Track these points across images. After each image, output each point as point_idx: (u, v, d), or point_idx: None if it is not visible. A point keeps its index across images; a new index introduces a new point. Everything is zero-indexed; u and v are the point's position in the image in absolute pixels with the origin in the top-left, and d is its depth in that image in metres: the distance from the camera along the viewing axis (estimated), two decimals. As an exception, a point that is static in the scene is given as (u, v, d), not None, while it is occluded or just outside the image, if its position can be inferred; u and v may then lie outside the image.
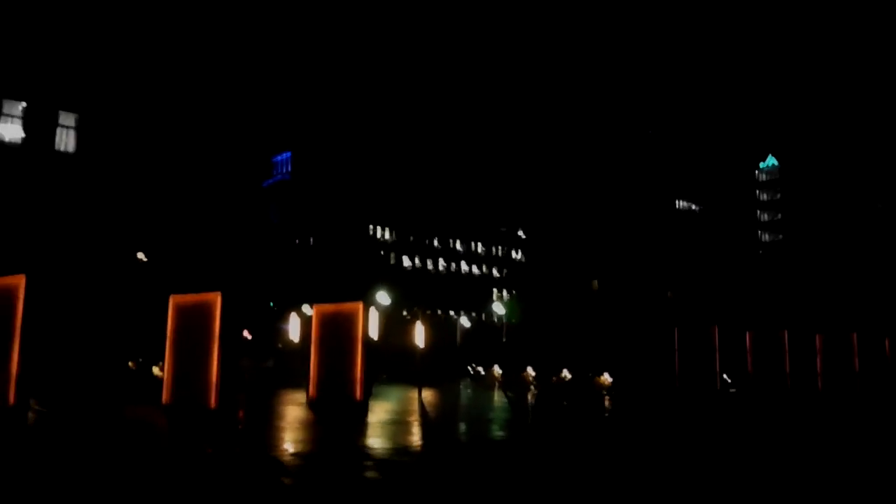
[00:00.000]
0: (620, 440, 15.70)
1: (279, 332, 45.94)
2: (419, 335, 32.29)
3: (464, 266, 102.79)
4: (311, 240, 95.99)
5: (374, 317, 23.91)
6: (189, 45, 56.25)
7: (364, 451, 12.71)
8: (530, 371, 38.84)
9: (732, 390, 34.00)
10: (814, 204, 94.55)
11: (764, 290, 68.72)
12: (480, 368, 41.39)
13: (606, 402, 28.52)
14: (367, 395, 21.03)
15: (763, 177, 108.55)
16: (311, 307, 23.04)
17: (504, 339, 41.33)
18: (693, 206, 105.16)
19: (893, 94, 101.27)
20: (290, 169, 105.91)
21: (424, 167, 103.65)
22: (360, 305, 19.33)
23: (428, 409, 23.50)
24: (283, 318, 41.66)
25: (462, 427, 18.99)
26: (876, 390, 33.85)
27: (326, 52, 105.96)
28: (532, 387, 36.65)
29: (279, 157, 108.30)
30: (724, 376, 34.90)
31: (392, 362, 41.53)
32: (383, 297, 40.72)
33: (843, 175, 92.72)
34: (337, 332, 19.42)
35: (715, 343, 30.13)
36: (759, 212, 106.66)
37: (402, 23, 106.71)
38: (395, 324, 52.61)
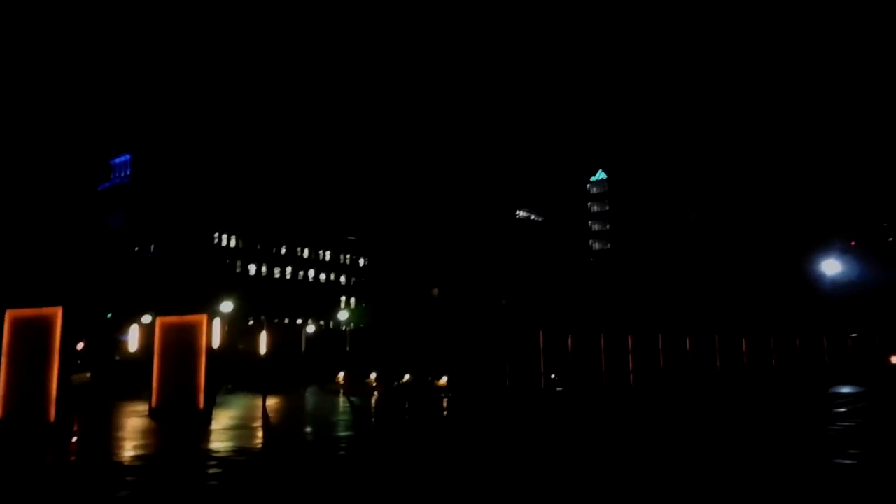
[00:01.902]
0: (453, 434, 17.50)
1: (116, 342, 44.66)
2: (263, 343, 32.89)
3: (311, 273, 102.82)
4: (152, 247, 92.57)
5: (217, 326, 24.53)
6: (9, 34, 53.20)
7: (206, 453, 13.69)
8: (373, 376, 40.31)
9: (559, 389, 37.12)
10: (636, 214, 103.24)
11: (593, 295, 74.43)
12: (341, 375, 42.18)
13: (444, 403, 30.30)
14: (211, 403, 21.70)
15: (594, 189, 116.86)
16: (153, 317, 23.35)
17: (348, 346, 42.48)
18: (532, 216, 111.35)
19: (710, 112, 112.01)
20: (129, 172, 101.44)
21: (272, 174, 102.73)
22: (204, 318, 20.04)
23: (271, 414, 24.34)
24: (122, 328, 40.69)
25: (303, 429, 20.12)
26: (678, 383, 38.26)
27: (165, 48, 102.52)
28: (375, 391, 38.10)
29: (117, 160, 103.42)
30: (552, 376, 38.15)
31: (237, 371, 41.54)
32: (227, 306, 40.72)
33: (663, 188, 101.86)
34: (180, 344, 20.01)
35: (540, 346, 33.12)
36: (590, 222, 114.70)
37: (249, 25, 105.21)
38: (240, 332, 52.39)
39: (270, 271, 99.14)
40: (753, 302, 58.84)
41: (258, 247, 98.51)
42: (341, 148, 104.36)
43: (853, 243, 78.42)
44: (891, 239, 74.73)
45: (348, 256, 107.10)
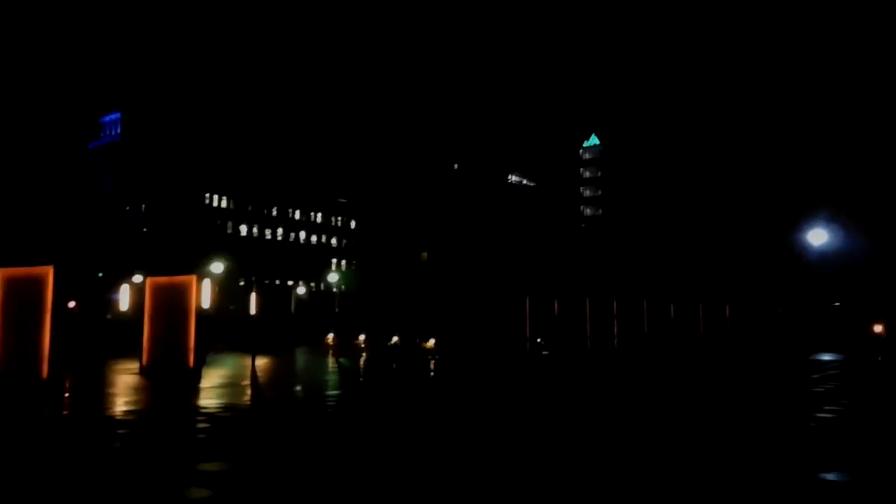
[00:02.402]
0: (438, 394, 18.02)
1: (108, 302, 45.04)
2: (253, 304, 33.36)
3: (302, 235, 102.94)
4: (144, 206, 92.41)
5: (207, 286, 24.88)
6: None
7: (195, 409, 14.16)
8: (362, 338, 40.92)
9: (545, 352, 37.81)
10: (628, 181, 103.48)
11: (582, 261, 75.02)
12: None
13: (431, 365, 30.87)
14: (201, 362, 22.17)
15: (587, 155, 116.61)
16: (144, 277, 23.68)
17: (337, 308, 43.03)
18: (524, 181, 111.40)
19: (705, 83, 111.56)
20: (119, 131, 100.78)
21: (265, 135, 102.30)
22: (194, 279, 20.39)
23: (260, 374, 24.84)
24: (114, 287, 41.04)
25: (291, 387, 20.63)
26: (661, 348, 39.00)
27: (155, 4, 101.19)
28: (364, 352, 38.72)
29: (107, 118, 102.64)
30: (539, 340, 38.83)
31: (227, 331, 42.10)
32: (218, 267, 41.03)
33: (655, 156, 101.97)
34: (170, 304, 20.39)
35: (526, 310, 33.69)
36: (582, 188, 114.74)
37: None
38: (230, 293, 52.82)
39: (262, 233, 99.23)
40: (739, 271, 59.55)
41: (249, 208, 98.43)
42: (334, 110, 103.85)
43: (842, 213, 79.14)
44: (877, 211, 75.50)
45: (339, 219, 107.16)
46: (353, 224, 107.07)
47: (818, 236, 49.54)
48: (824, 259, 54.00)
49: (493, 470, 8.46)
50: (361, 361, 32.70)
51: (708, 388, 19.86)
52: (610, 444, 10.33)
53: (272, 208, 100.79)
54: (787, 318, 45.97)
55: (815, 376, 23.92)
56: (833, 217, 56.96)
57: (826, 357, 36.44)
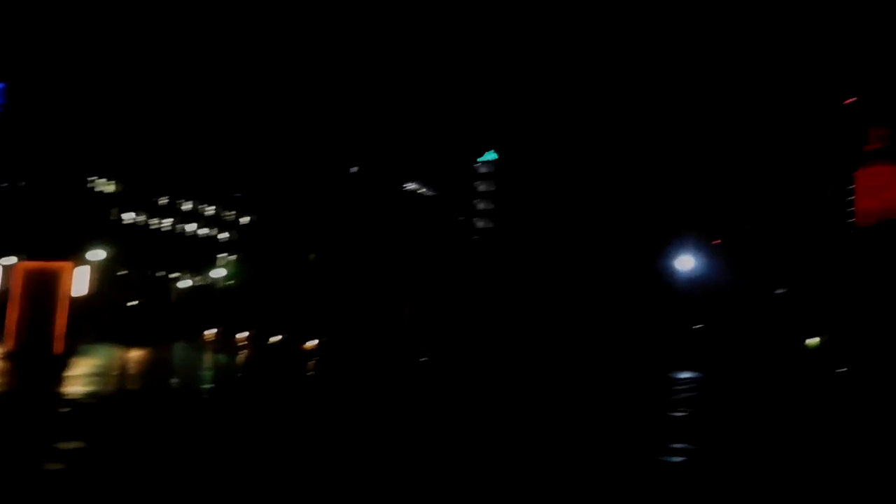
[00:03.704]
0: (315, 391, 18.64)
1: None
2: (134, 294, 32.85)
3: (192, 227, 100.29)
4: (22, 184, 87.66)
5: (85, 273, 24.54)
6: None
7: (58, 395, 14.29)
8: (244, 335, 40.82)
9: (423, 359, 38.92)
10: (522, 197, 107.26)
11: (470, 271, 77.17)
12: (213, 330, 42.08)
13: (311, 365, 31.25)
14: (71, 349, 21.92)
15: (483, 169, 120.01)
16: (19, 260, 23.13)
17: (221, 303, 42.73)
18: (421, 190, 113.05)
19: (599, 94, 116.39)
20: (3, 101, 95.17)
21: (160, 121, 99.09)
22: (67, 265, 20.22)
23: (133, 365, 24.68)
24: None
25: (163, 380, 20.69)
26: (541, 358, 40.95)
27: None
28: (245, 349, 38.65)
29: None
30: (422, 347, 39.95)
31: (105, 320, 40.98)
32: (98, 254, 39.95)
33: (548, 174, 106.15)
34: (41, 289, 20.14)
35: (406, 318, 34.72)
36: (476, 200, 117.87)
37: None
38: (111, 281, 51.18)
39: (148, 221, 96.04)
40: (614, 290, 62.97)
41: (137, 195, 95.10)
42: (234, 103, 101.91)
43: (715, 241, 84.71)
44: (743, 240, 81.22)
45: (232, 213, 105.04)
46: (244, 219, 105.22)
47: (686, 262, 53.24)
48: (691, 283, 57.98)
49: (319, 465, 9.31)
50: (241, 358, 32.75)
51: (578, 391, 21.41)
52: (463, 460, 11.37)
53: (162, 197, 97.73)
54: (652, 336, 49.01)
55: (674, 388, 26.05)
56: (703, 244, 61.14)
57: (684, 375, 39.20)
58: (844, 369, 48.77)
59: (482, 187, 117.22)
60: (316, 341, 38.07)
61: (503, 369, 33.45)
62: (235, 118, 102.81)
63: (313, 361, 32.44)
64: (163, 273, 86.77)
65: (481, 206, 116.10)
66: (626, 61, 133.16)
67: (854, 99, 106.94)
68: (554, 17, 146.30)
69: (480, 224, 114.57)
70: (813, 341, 61.85)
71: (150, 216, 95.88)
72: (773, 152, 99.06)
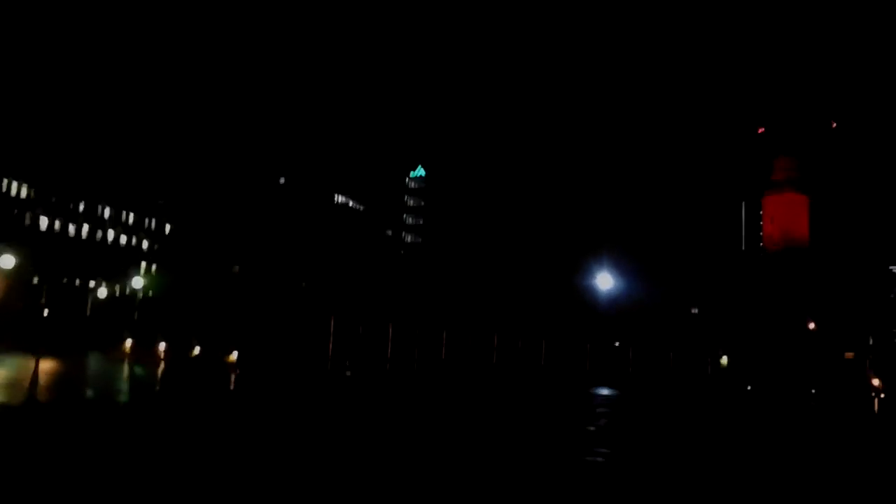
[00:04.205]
0: (233, 405, 18.60)
1: None
2: (45, 304, 31.86)
3: (111, 234, 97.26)
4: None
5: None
6: None
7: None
8: (162, 346, 39.96)
9: (347, 373, 38.93)
10: (449, 213, 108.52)
11: (396, 287, 77.45)
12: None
13: (232, 377, 30.94)
14: (-23, 360, 21.18)
15: (412, 184, 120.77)
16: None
17: (138, 314, 41.77)
18: (350, 203, 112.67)
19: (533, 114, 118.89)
20: None
21: (78, 122, 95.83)
22: (-23, 273, 19.62)
23: (43, 377, 23.96)
24: None
25: (73, 393, 20.23)
26: (457, 373, 41.49)
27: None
28: (163, 362, 37.87)
29: None
30: (346, 362, 39.94)
31: (13, 330, 39.49)
32: (8, 261, 38.45)
33: (475, 191, 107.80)
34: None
35: (331, 331, 34.75)
36: (405, 215, 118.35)
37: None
38: (22, 289, 49.29)
39: (65, 227, 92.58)
40: (533, 307, 64.37)
41: (53, 199, 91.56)
42: (161, 108, 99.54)
43: (637, 261, 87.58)
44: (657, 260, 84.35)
45: (154, 220, 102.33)
46: (167, 227, 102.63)
47: (605, 280, 54.90)
48: (609, 300, 59.79)
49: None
50: (159, 371, 32.14)
51: (495, 404, 21.97)
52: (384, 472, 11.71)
53: (79, 202, 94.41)
54: (571, 353, 50.25)
55: (592, 404, 26.96)
56: (619, 262, 63.28)
57: (603, 391, 40.42)
58: (749, 387, 51.26)
59: (412, 202, 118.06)
60: (235, 354, 37.63)
61: (429, 384, 33.86)
62: (161, 122, 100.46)
63: (234, 374, 32.11)
64: (79, 282, 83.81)
65: (410, 220, 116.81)
66: (551, 82, 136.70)
67: (764, 129, 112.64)
68: (480, 37, 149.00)
69: (409, 239, 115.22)
70: (724, 359, 64.68)
71: (67, 221, 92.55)
72: (689, 178, 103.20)
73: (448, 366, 41.57)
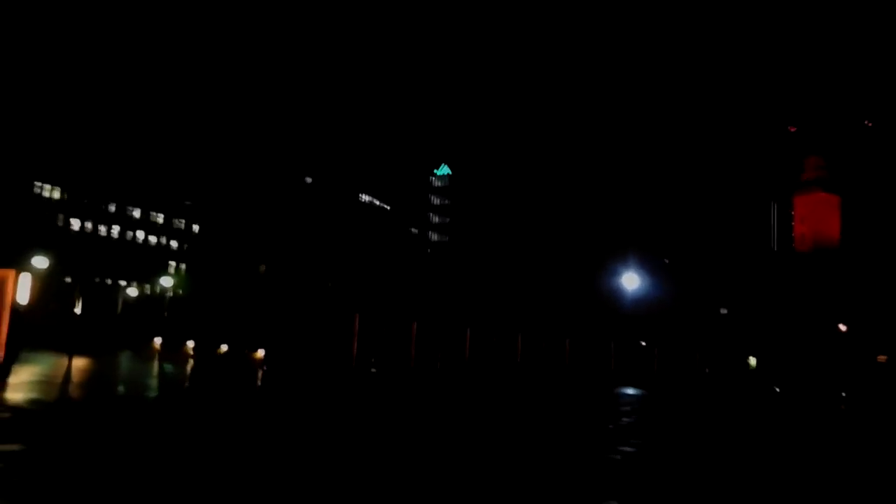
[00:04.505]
0: (261, 401, 18.88)
1: None
2: (78, 303, 32.48)
3: (141, 235, 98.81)
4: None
5: (26, 281, 24.39)
6: None
7: (1, 402, 14.33)
8: (191, 344, 40.54)
9: (373, 370, 39.18)
10: (475, 212, 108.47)
11: (423, 285, 77.65)
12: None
13: (259, 374, 31.34)
14: (13, 358, 21.71)
15: (437, 182, 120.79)
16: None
17: (167, 313, 42.38)
18: (376, 202, 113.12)
19: (553, 119, 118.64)
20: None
21: (110, 126, 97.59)
22: (12, 273, 20.11)
23: (76, 374, 24.50)
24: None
25: (107, 388, 20.70)
26: (481, 373, 41.54)
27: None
28: (191, 359, 38.41)
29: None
30: (372, 359, 40.18)
31: (47, 329, 40.30)
32: (42, 261, 39.33)
33: (501, 190, 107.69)
34: (-17, 296, 19.97)
35: (355, 329, 35.00)
36: (430, 214, 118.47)
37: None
38: (55, 289, 50.26)
39: (96, 228, 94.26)
40: (557, 306, 64.17)
41: (85, 201, 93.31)
42: (187, 109, 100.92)
43: (665, 260, 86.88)
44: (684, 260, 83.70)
45: (182, 221, 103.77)
46: (195, 228, 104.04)
47: (631, 280, 54.63)
48: (635, 300, 59.43)
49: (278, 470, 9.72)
50: (188, 368, 32.62)
51: (519, 406, 22.03)
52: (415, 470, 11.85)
53: (110, 204, 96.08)
54: (596, 352, 50.07)
55: (617, 404, 26.91)
56: (646, 262, 62.90)
57: (628, 391, 40.26)
58: (778, 388, 50.64)
59: (437, 201, 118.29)
60: (262, 351, 38.07)
61: (453, 383, 33.99)
62: (188, 124, 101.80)
63: (261, 371, 32.49)
64: (109, 281, 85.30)
65: (436, 219, 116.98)
66: (579, 81, 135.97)
67: (795, 128, 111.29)
68: (502, 38, 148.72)
69: (434, 237, 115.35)
70: (752, 360, 63.96)
71: (98, 223, 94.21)
72: (718, 178, 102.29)
73: (472, 364, 41.64)
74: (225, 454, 10.10)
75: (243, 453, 10.35)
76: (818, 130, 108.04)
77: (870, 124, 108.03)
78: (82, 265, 76.84)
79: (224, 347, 39.02)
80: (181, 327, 41.36)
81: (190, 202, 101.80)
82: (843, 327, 75.03)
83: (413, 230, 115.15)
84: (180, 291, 72.84)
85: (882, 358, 77.81)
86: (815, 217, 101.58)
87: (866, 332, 77.24)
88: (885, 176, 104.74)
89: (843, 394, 49.61)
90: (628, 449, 13.55)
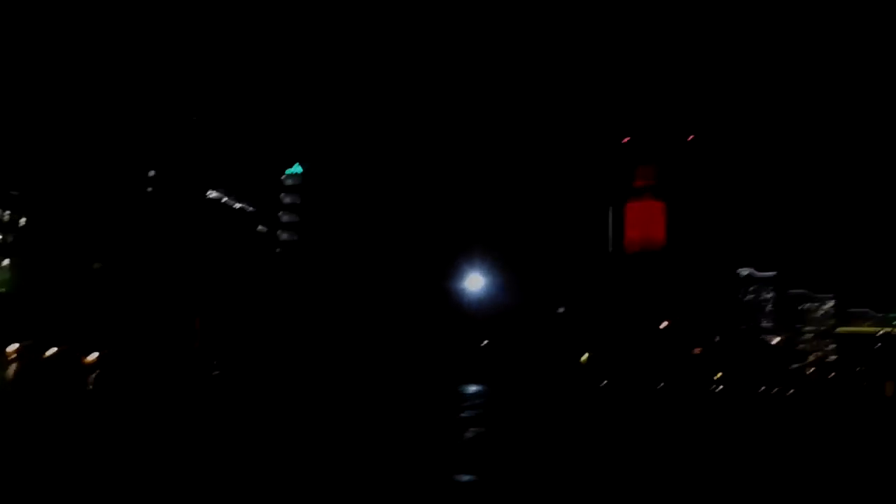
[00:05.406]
0: (95, 407, 18.34)
1: None
2: None
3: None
4: None
5: None
6: None
7: None
8: (14, 347, 38.11)
9: (215, 372, 38.58)
10: (326, 211, 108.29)
11: (271, 284, 76.52)
12: None
13: (90, 378, 30.11)
14: None
15: (288, 181, 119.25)
16: None
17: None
18: (226, 199, 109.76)
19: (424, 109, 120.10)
20: None
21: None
22: None
23: None
24: None
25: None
26: (319, 366, 41.91)
27: None
28: (14, 363, 36.17)
29: None
30: (214, 361, 39.54)
31: None
32: None
33: (350, 188, 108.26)
34: None
35: (197, 330, 34.49)
36: (281, 213, 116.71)
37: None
38: None
39: None
40: (405, 306, 65.52)
41: None
42: (22, 95, 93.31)
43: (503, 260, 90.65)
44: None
45: (8, 213, 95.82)
46: (22, 221, 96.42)
47: (475, 281, 56.88)
48: (479, 301, 61.88)
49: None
50: (10, 371, 30.83)
51: (374, 401, 22.70)
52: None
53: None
54: (441, 351, 51.71)
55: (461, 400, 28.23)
56: (490, 264, 65.60)
57: (470, 388, 41.71)
58: (606, 382, 54.70)
59: (287, 199, 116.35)
60: (96, 354, 36.54)
61: (299, 382, 34.11)
62: (13, 105, 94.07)
63: (93, 375, 31.24)
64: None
65: (286, 218, 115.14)
66: (425, 82, 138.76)
67: (628, 139, 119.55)
68: (359, 36, 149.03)
69: (284, 236, 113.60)
70: (584, 356, 68.38)
71: None
72: (562, 183, 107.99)
73: (312, 363, 41.89)
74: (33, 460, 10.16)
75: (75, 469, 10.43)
76: (648, 141, 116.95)
77: (692, 138, 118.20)
78: None
79: (54, 349, 36.96)
80: (6, 328, 38.68)
81: (17, 192, 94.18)
82: (665, 323, 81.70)
83: (262, 228, 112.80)
84: (3, 289, 67.75)
85: (697, 350, 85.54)
86: (643, 222, 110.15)
87: (685, 328, 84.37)
88: (706, 184, 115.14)
89: (661, 384, 54.15)
90: (469, 435, 14.69)
